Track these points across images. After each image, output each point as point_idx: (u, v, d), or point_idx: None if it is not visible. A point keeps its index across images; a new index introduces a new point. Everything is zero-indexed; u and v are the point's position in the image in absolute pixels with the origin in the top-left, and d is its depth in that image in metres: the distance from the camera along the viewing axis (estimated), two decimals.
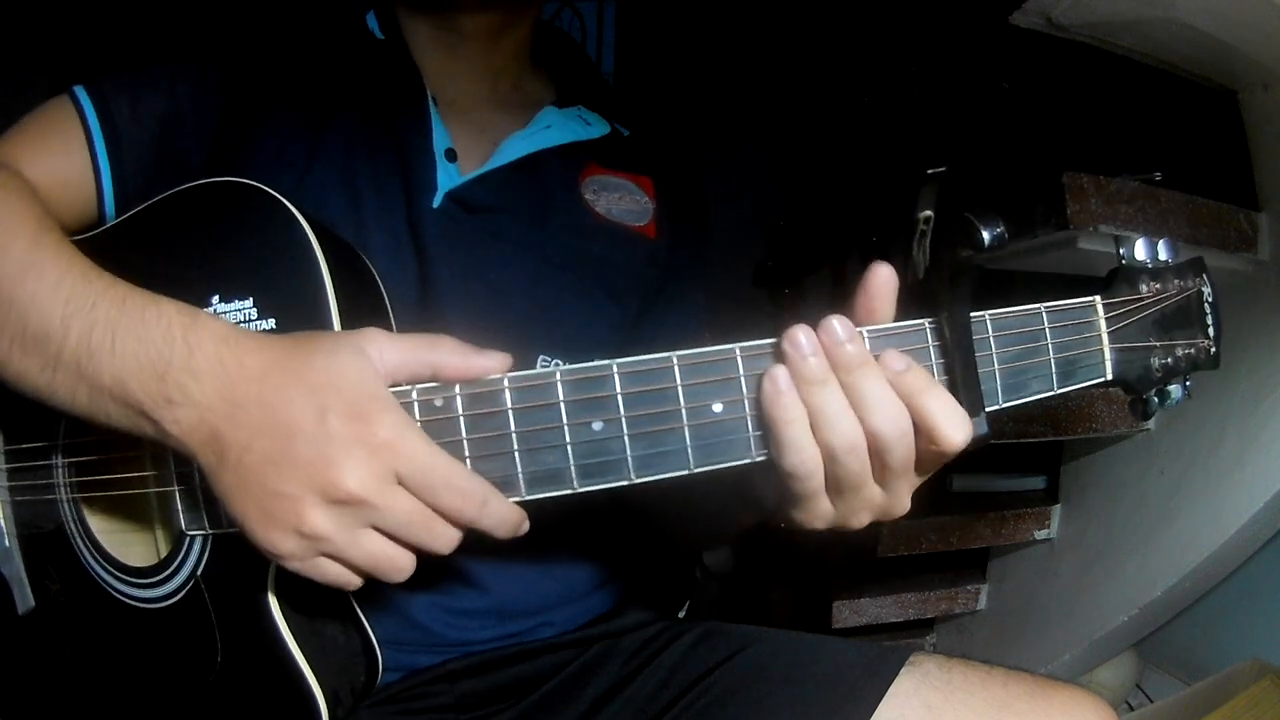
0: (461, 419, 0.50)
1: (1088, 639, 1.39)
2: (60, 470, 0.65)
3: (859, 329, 0.48)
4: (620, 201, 0.81)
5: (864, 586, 1.58)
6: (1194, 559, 1.25)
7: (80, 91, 0.70)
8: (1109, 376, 0.53)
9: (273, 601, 0.55)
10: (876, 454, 0.48)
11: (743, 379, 0.49)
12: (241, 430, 0.47)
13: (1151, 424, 1.36)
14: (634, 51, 2.88)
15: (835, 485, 0.49)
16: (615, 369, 0.49)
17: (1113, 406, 1.35)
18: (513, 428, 0.49)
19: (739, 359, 0.49)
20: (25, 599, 0.67)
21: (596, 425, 0.49)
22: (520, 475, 0.49)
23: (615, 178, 0.81)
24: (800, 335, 0.47)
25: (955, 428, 0.48)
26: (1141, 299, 0.54)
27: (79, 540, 0.65)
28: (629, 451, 0.49)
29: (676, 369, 0.49)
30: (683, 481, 0.50)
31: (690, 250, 0.84)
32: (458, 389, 0.50)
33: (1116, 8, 1.11)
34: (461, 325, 0.69)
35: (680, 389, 0.49)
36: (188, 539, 0.58)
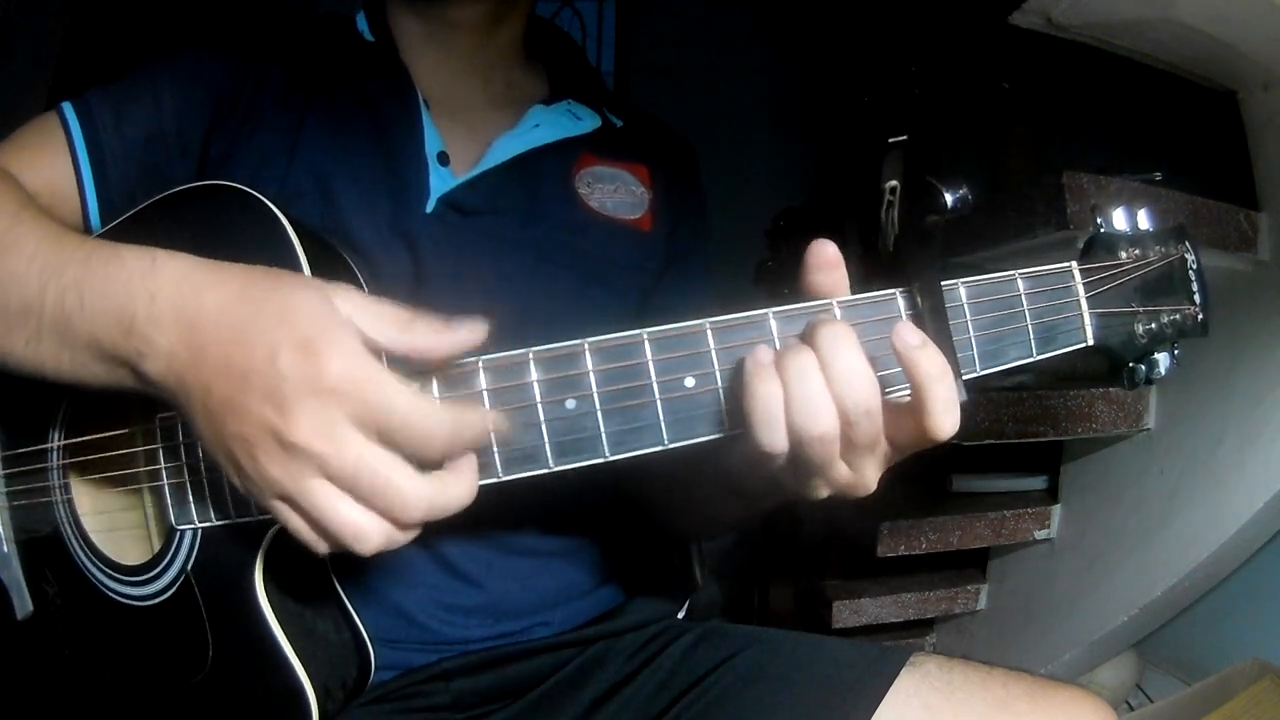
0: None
1: (1088, 639, 1.39)
2: (55, 472, 0.65)
3: (830, 299, 0.49)
4: (615, 194, 0.80)
5: (864, 586, 1.58)
6: (1194, 559, 1.25)
7: (67, 108, 0.70)
8: (1090, 341, 0.53)
9: (260, 594, 0.55)
10: (843, 427, 0.47)
11: (714, 353, 0.49)
12: (203, 373, 0.46)
13: (1152, 424, 1.36)
14: (633, 51, 2.88)
15: (804, 466, 0.48)
16: (586, 347, 0.49)
17: (1113, 406, 1.34)
18: (487, 407, 0.49)
19: (709, 333, 0.49)
20: (24, 604, 0.67)
21: (570, 403, 0.49)
22: (496, 455, 0.50)
23: (610, 168, 0.81)
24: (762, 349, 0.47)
25: (949, 419, 0.47)
26: (1121, 265, 0.54)
27: (73, 541, 0.64)
28: (603, 428, 0.49)
29: (647, 345, 0.49)
30: (665, 465, 0.49)
31: (687, 241, 0.84)
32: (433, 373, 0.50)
33: (1116, 8, 1.11)
34: None
35: (651, 364, 0.49)
36: (178, 534, 0.58)
